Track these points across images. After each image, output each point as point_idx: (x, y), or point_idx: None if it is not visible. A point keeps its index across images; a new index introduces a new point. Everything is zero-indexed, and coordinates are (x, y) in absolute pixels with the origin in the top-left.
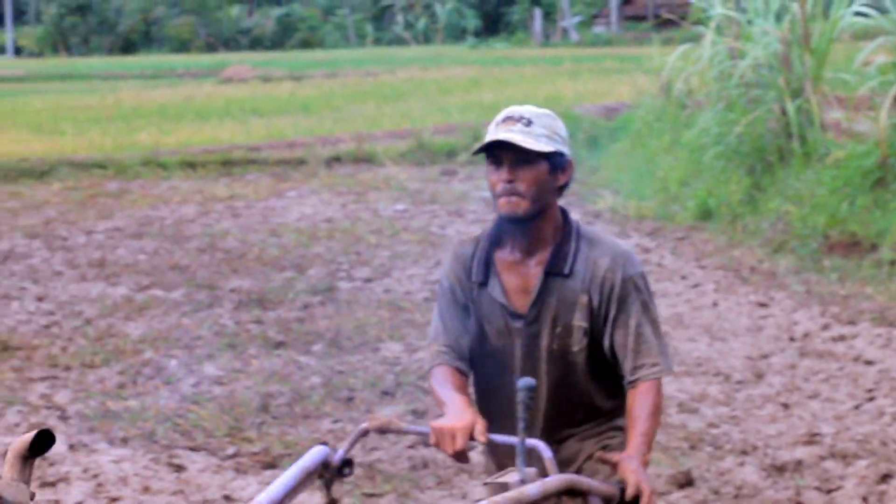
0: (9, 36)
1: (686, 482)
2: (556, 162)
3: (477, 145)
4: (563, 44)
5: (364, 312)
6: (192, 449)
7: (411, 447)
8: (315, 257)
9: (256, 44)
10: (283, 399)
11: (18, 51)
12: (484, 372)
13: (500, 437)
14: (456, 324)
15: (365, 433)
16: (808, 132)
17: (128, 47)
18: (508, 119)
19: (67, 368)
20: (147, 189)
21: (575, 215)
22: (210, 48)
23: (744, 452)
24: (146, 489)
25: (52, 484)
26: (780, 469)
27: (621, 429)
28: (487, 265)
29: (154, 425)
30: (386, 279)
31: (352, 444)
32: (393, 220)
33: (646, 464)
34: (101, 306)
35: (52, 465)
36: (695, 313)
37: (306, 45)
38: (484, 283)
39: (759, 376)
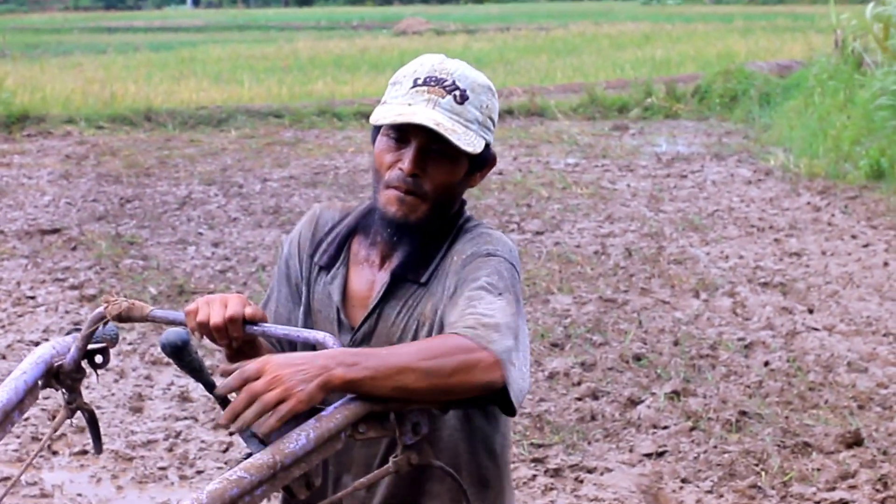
0: None
1: (854, 442)
2: (479, 160)
3: (381, 114)
4: (735, 1)
5: (534, 265)
6: None
7: (580, 399)
8: (486, 209)
9: None
10: None
11: (197, 2)
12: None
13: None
14: (283, 303)
15: (101, 319)
16: None
17: None
18: (436, 83)
19: None
20: (322, 138)
21: (469, 209)
22: (384, 1)
23: None
24: None
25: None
26: None
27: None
28: (339, 250)
29: None
30: (556, 232)
31: (87, 337)
32: (564, 173)
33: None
34: (276, 253)
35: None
36: (865, 273)
37: None
38: (326, 270)
39: None
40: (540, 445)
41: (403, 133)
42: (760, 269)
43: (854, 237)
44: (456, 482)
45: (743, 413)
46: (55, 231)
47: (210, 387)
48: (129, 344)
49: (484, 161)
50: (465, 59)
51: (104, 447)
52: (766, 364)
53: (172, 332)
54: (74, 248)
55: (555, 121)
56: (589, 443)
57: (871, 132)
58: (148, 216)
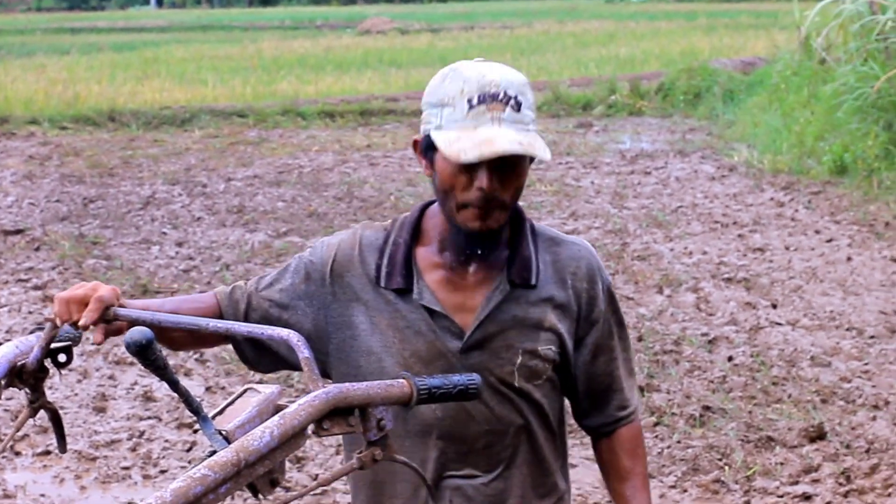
0: None
1: (818, 435)
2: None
3: (458, 147)
4: None
5: None
6: None
7: None
8: None
9: None
10: None
11: (161, 2)
12: None
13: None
14: (286, 292)
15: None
16: None
17: None
18: (492, 98)
19: None
20: (286, 138)
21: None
22: (348, 0)
23: (876, 407)
24: None
25: (190, 425)
26: None
27: (561, 494)
28: (409, 266)
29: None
30: None
31: (50, 336)
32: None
33: None
34: (240, 252)
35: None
36: (828, 268)
37: None
38: (405, 290)
39: (893, 331)
40: None
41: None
42: (724, 265)
43: (817, 232)
44: (421, 478)
45: (706, 408)
46: (18, 231)
47: (174, 385)
48: (93, 344)
49: None
50: (430, 57)
51: (67, 447)
52: (730, 359)
53: (136, 331)
54: (38, 249)
55: None
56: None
57: (834, 128)
58: (111, 216)
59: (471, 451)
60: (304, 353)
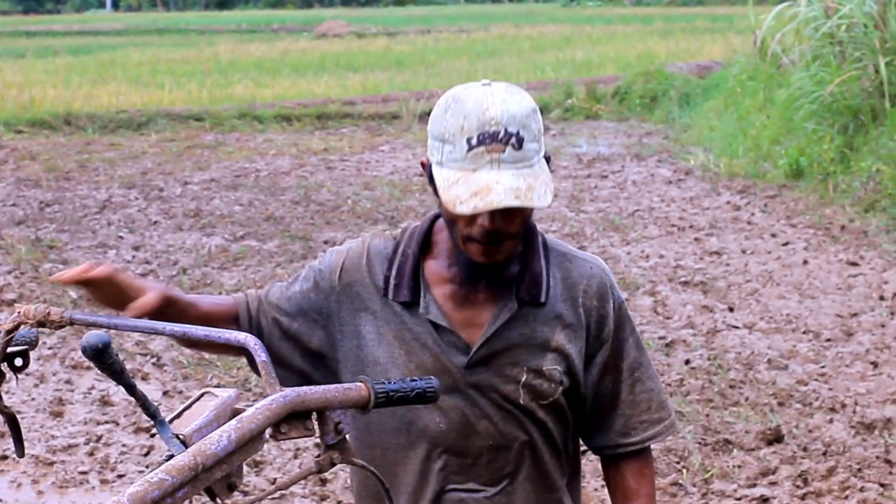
0: None
1: (775, 438)
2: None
3: (454, 194)
4: (655, 3)
5: None
6: None
7: None
8: (408, 210)
9: (350, 0)
10: None
11: (116, 5)
12: (376, 433)
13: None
14: (300, 298)
15: (18, 325)
16: None
17: (223, 2)
18: (491, 139)
19: None
20: (243, 141)
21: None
22: (305, 4)
23: (833, 410)
24: None
25: (147, 429)
26: (868, 427)
27: None
28: (416, 279)
29: (247, 373)
30: None
31: (6, 341)
32: None
33: None
34: (197, 256)
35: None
36: (785, 271)
37: (400, 1)
38: (412, 303)
39: (849, 334)
40: None
41: None
42: (681, 268)
43: (774, 236)
44: (379, 481)
45: None
46: None
47: (131, 389)
48: (50, 348)
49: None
50: (386, 61)
51: (25, 451)
52: (687, 362)
53: (93, 335)
54: None
55: None
56: None
57: (789, 132)
58: (68, 220)
59: (474, 464)
60: (260, 356)
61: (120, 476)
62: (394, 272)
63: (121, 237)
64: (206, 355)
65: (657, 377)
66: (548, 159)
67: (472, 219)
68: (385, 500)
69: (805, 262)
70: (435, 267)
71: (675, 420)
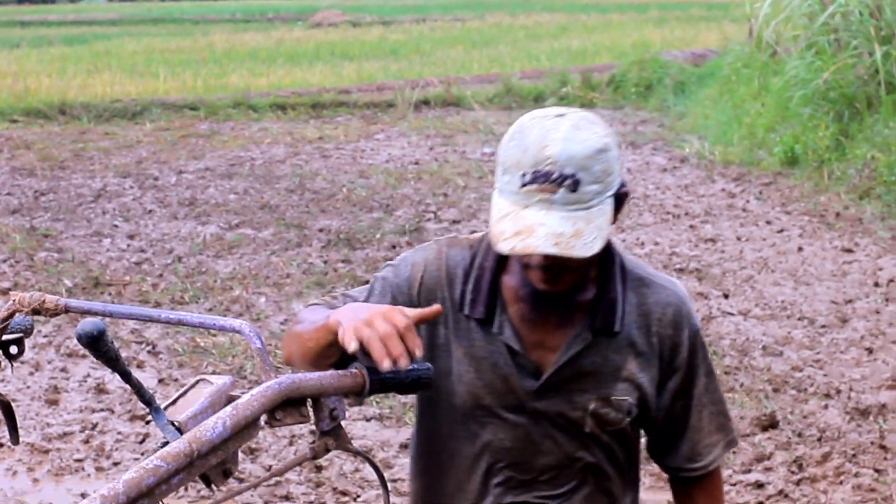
0: None
1: (770, 424)
2: (613, 209)
3: (500, 228)
4: None
5: None
6: None
7: None
8: (403, 198)
9: None
10: None
11: None
12: (442, 455)
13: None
14: None
15: (13, 313)
16: None
17: None
18: (543, 179)
19: (158, 305)
20: (238, 130)
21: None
22: None
23: (827, 396)
24: None
25: (143, 417)
26: (863, 412)
27: None
28: (493, 296)
29: (242, 361)
30: (472, 221)
31: (1, 329)
32: (480, 163)
33: None
34: (192, 244)
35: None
36: (780, 258)
37: None
38: (486, 322)
39: (844, 321)
40: None
41: None
42: (676, 255)
43: (768, 223)
44: (375, 469)
45: None
46: None
47: (126, 376)
48: (45, 336)
49: (618, 206)
50: (381, 50)
51: (20, 439)
52: None
53: (88, 322)
54: None
55: (471, 111)
56: None
57: (784, 119)
58: (63, 209)
59: (535, 480)
60: (255, 343)
61: (115, 464)
62: (470, 286)
63: (116, 226)
64: (201, 343)
65: (724, 399)
66: (624, 195)
67: (527, 261)
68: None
69: (800, 249)
70: (510, 283)
71: (737, 435)
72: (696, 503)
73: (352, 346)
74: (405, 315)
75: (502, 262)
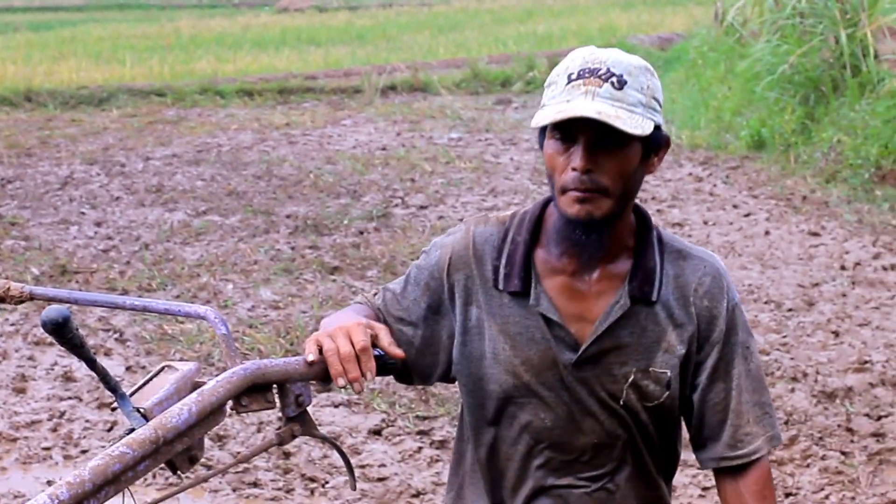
0: None
1: None
2: (652, 142)
3: (542, 116)
4: None
5: (418, 239)
6: None
7: None
8: (370, 184)
9: None
10: None
11: None
12: (483, 428)
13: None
14: (413, 302)
15: None
16: (862, 63)
17: None
18: (591, 74)
19: (125, 292)
20: (204, 116)
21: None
22: None
23: (794, 379)
24: None
25: (111, 405)
26: (830, 396)
27: None
28: (528, 269)
29: (210, 348)
30: (440, 206)
31: None
32: (447, 148)
33: None
34: (159, 231)
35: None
36: (747, 242)
37: None
38: (522, 294)
39: (811, 304)
40: (425, 418)
41: (569, 131)
42: None
43: (735, 207)
44: (342, 454)
45: None
46: None
47: (91, 363)
48: (12, 325)
49: (658, 143)
50: (348, 35)
51: None
52: None
53: (53, 309)
54: None
55: (438, 96)
56: None
57: (751, 103)
58: (29, 196)
59: (576, 461)
60: (221, 329)
61: (83, 451)
62: (503, 261)
63: (83, 213)
64: (169, 330)
65: (766, 388)
66: (666, 141)
67: (566, 165)
68: (349, 476)
69: (767, 233)
70: (545, 256)
71: (780, 432)
72: (749, 489)
73: (309, 357)
74: (365, 335)
75: (535, 236)
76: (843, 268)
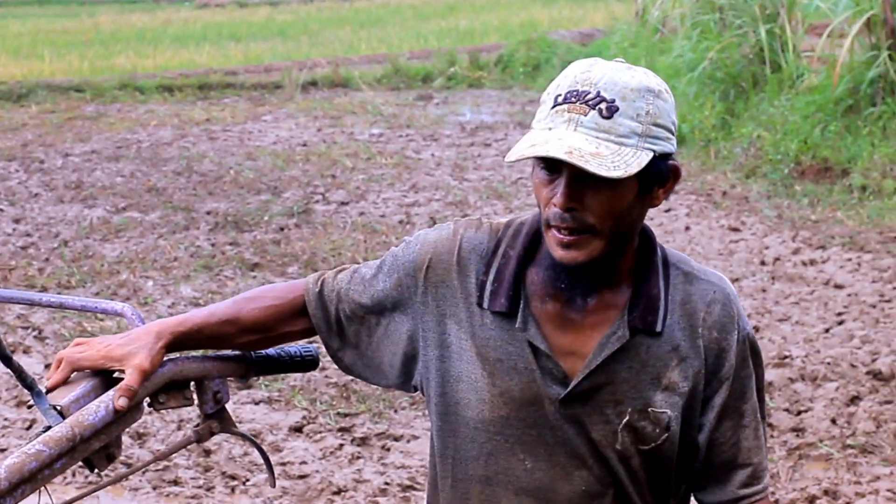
0: None
1: None
2: (654, 173)
3: (518, 148)
4: None
5: (339, 235)
6: None
7: None
8: (291, 180)
9: None
10: None
11: None
12: (454, 463)
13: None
14: (374, 289)
15: None
16: (782, 58)
17: None
18: (577, 98)
19: (44, 289)
20: (124, 112)
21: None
22: None
23: None
24: None
25: (28, 403)
26: None
27: None
28: (517, 288)
29: None
30: (361, 202)
31: None
32: (368, 144)
33: None
34: (78, 228)
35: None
36: (667, 237)
37: None
38: (508, 315)
39: None
40: (346, 415)
41: (553, 162)
42: None
43: None
44: (261, 451)
45: None
46: None
47: (7, 360)
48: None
49: (661, 175)
50: (269, 30)
51: None
52: None
53: None
54: None
55: (359, 91)
56: (395, 411)
57: None
58: None
59: None
60: (138, 325)
61: (2, 450)
62: (491, 276)
63: (1, 210)
64: (88, 327)
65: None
66: (675, 171)
67: (550, 199)
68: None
69: (687, 229)
70: (538, 277)
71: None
72: None
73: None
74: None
75: (530, 252)
76: (762, 263)
